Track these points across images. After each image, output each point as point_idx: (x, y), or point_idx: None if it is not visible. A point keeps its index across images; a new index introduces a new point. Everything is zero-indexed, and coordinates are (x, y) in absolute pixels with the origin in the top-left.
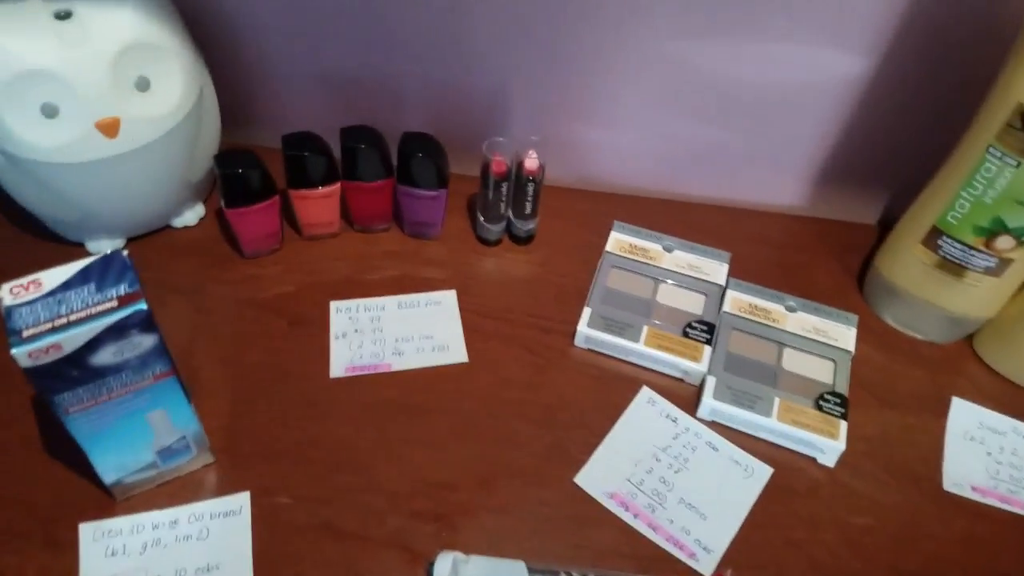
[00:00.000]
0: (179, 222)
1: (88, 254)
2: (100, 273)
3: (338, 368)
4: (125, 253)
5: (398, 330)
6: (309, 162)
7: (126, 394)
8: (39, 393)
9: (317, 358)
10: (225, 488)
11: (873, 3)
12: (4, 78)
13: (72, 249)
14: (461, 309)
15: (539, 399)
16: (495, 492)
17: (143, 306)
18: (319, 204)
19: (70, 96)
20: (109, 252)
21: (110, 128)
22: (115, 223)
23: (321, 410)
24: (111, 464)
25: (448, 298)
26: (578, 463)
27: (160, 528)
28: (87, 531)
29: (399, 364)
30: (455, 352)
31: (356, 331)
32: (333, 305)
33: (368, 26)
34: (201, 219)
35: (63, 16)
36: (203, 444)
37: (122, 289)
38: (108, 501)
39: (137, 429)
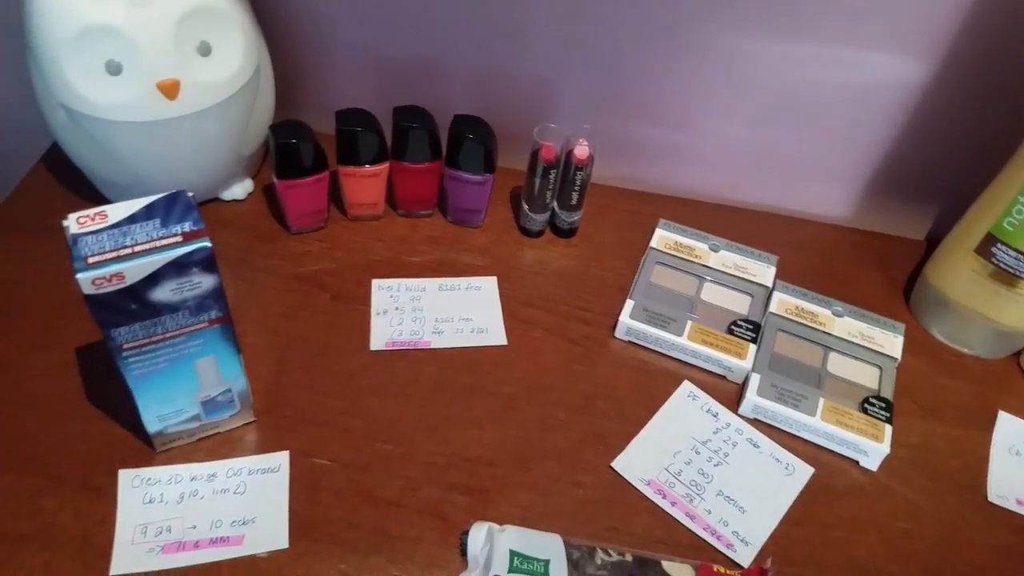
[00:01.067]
0: (228, 195)
1: None
2: (165, 210)
3: (378, 342)
4: (190, 194)
5: (438, 310)
6: (360, 139)
7: (180, 336)
8: (98, 325)
9: (357, 332)
10: (265, 447)
11: (936, 5)
12: (71, 32)
13: None
14: (501, 296)
15: (578, 387)
16: (531, 471)
17: (207, 243)
18: (366, 183)
19: (134, 55)
20: (174, 192)
21: (170, 89)
22: (165, 189)
23: (361, 382)
24: (155, 412)
25: (489, 284)
26: (615, 449)
27: (198, 480)
28: (126, 477)
29: (438, 342)
30: (494, 335)
31: (397, 309)
32: (375, 283)
33: (426, 7)
34: (249, 194)
35: None
36: (247, 401)
37: (187, 226)
38: (148, 452)
39: (185, 376)
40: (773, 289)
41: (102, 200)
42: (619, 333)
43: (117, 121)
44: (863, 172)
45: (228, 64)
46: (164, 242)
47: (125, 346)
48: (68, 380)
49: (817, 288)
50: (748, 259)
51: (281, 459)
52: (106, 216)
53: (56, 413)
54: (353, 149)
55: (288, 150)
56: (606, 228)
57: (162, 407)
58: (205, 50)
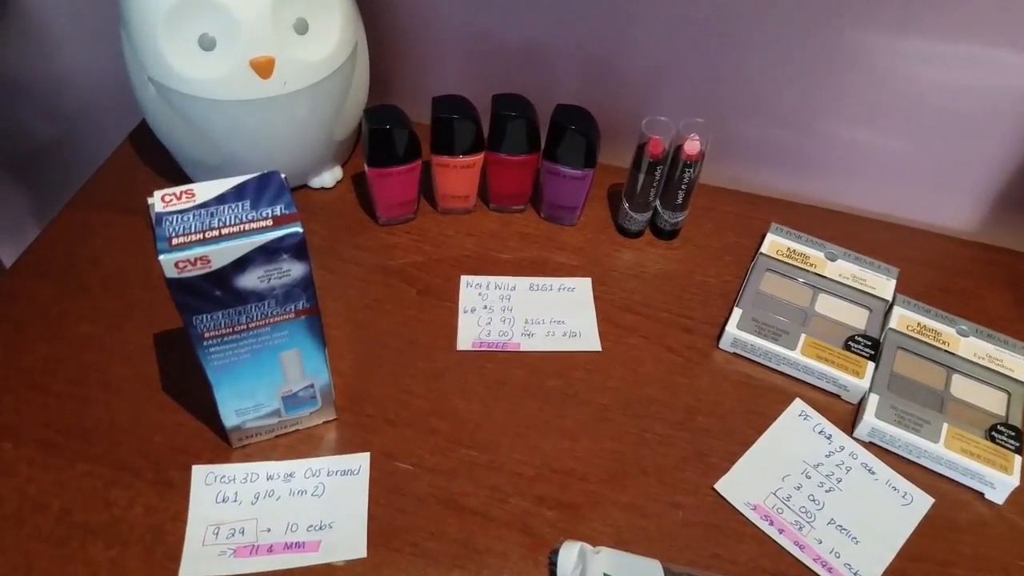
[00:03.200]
0: (316, 182)
1: None
2: (256, 191)
3: (465, 342)
4: (283, 176)
5: (528, 311)
6: (456, 127)
7: (265, 326)
8: (179, 310)
9: (444, 330)
10: (345, 447)
11: None
12: (167, 4)
13: None
14: (596, 299)
15: (678, 400)
16: (626, 488)
17: (299, 229)
18: (460, 174)
19: (229, 29)
20: (266, 172)
21: (265, 67)
22: (253, 172)
23: (447, 382)
24: (234, 406)
25: (582, 285)
26: (719, 470)
27: (275, 479)
28: (199, 473)
29: (528, 345)
30: (588, 340)
31: (485, 307)
32: (463, 279)
33: None
34: (338, 182)
35: None
36: (328, 398)
37: (278, 209)
38: (224, 448)
39: (267, 369)
40: (893, 303)
41: (187, 181)
42: (724, 344)
43: (207, 98)
44: (991, 183)
45: (325, 44)
46: (254, 225)
47: (207, 334)
48: (146, 366)
49: (939, 304)
50: (867, 270)
51: (362, 460)
52: (193, 195)
53: (133, 400)
54: (448, 138)
55: (381, 136)
56: (710, 231)
57: (241, 401)
58: (302, 28)
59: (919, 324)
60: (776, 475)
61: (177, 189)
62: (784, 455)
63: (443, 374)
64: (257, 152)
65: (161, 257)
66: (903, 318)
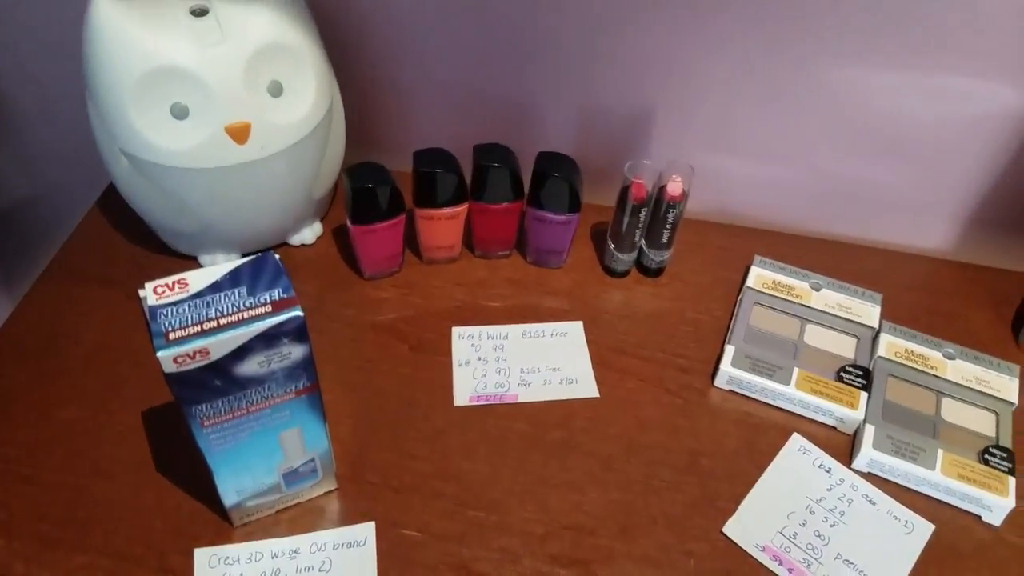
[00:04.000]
0: (296, 240)
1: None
2: (251, 276)
3: (462, 396)
4: (277, 257)
5: (523, 360)
6: (439, 180)
7: (265, 408)
8: (178, 402)
9: (440, 386)
10: (349, 518)
11: None
12: (137, 74)
13: (185, 263)
14: (589, 342)
15: (681, 443)
16: (637, 539)
17: (299, 312)
18: (444, 225)
19: (202, 97)
20: (260, 254)
21: (240, 133)
22: (233, 237)
23: (448, 441)
24: (234, 486)
25: (575, 329)
26: (725, 512)
27: (280, 557)
28: (202, 557)
29: (526, 395)
30: (584, 386)
31: (479, 359)
32: (455, 331)
33: (505, 40)
34: (318, 237)
35: (199, 13)
36: (330, 469)
37: (276, 294)
38: (225, 526)
39: (268, 448)
40: (880, 330)
41: (162, 246)
42: (720, 382)
43: (183, 168)
44: (967, 204)
45: (301, 104)
46: (252, 313)
47: (206, 422)
48: (137, 447)
49: (925, 327)
50: (852, 298)
51: (367, 531)
52: (187, 285)
53: (127, 484)
54: (431, 191)
55: (365, 195)
56: (696, 266)
57: (241, 480)
58: (276, 90)
59: (906, 350)
60: (781, 513)
61: (169, 279)
62: (787, 492)
63: (443, 433)
64: (236, 217)
65: (159, 354)
66: (891, 345)
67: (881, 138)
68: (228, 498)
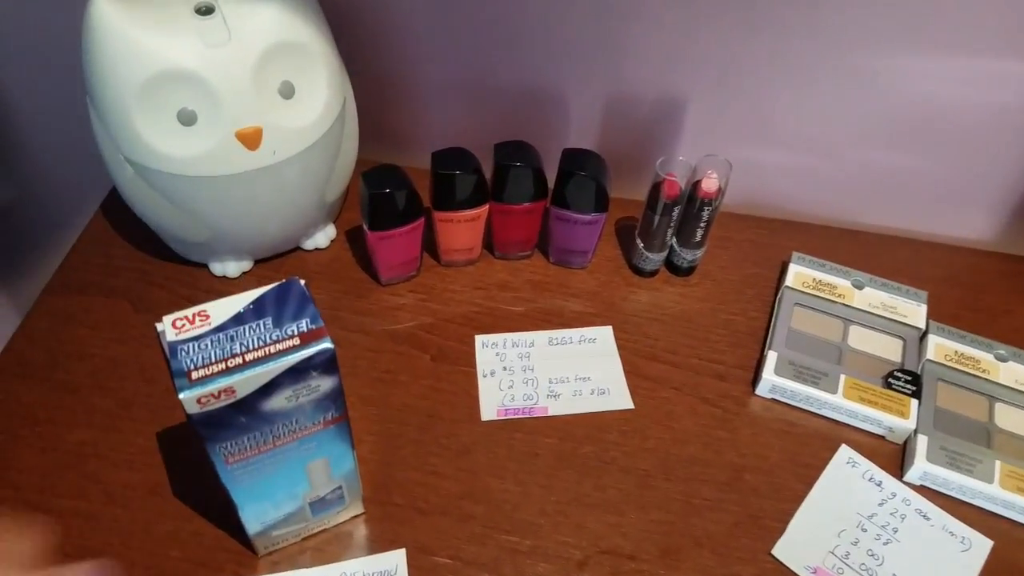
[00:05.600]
0: (310, 244)
1: (213, 276)
2: (276, 305)
3: (489, 410)
4: (302, 283)
5: (551, 369)
6: (460, 181)
7: (291, 442)
8: (202, 442)
9: (465, 399)
10: (377, 544)
11: None
12: (140, 79)
13: (194, 271)
14: (619, 348)
15: (722, 458)
16: (681, 564)
17: (329, 344)
18: (464, 228)
19: (211, 101)
20: (285, 281)
21: (251, 139)
22: (245, 244)
23: (476, 458)
24: (258, 517)
25: (604, 334)
26: (773, 532)
27: None
28: None
29: (556, 408)
30: (618, 397)
31: (505, 369)
32: (479, 339)
33: (525, 30)
34: (332, 241)
35: (204, 12)
36: (356, 494)
37: (304, 324)
38: (248, 555)
39: (293, 479)
40: (927, 331)
41: (169, 253)
42: (761, 391)
43: (193, 176)
44: (1008, 193)
45: (313, 105)
46: (279, 347)
47: (231, 459)
48: (151, 470)
49: (970, 325)
50: (896, 297)
51: (397, 559)
52: (208, 317)
53: (142, 511)
54: (451, 193)
55: (383, 200)
56: (729, 263)
57: (265, 511)
58: (288, 91)
59: (956, 352)
60: (832, 531)
61: (189, 312)
62: (837, 508)
63: (470, 450)
64: (247, 225)
65: (182, 396)
66: (940, 347)
67: (918, 125)
68: (252, 527)
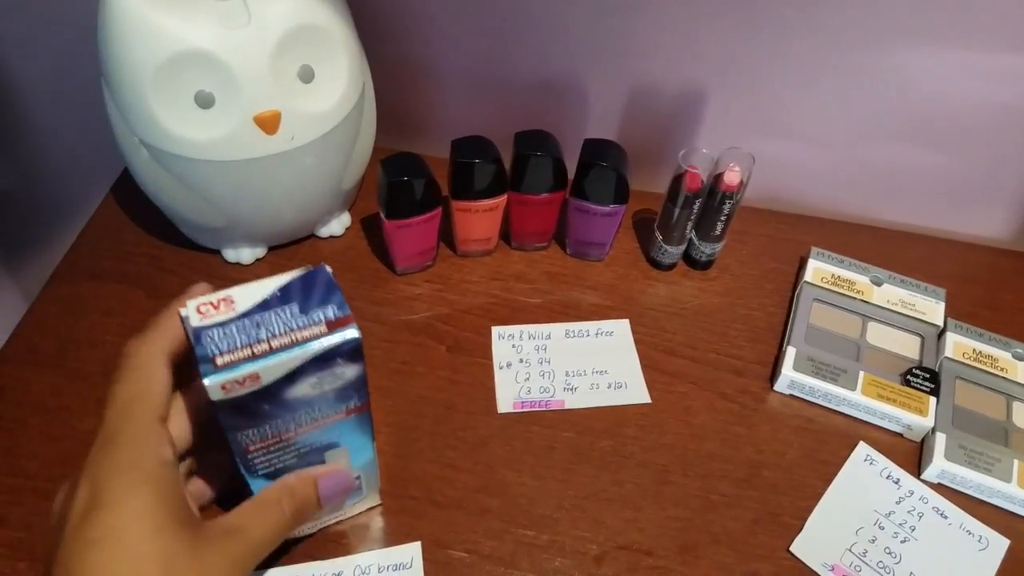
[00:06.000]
0: (324, 231)
1: (226, 263)
2: (303, 292)
3: (505, 403)
4: (329, 270)
5: (567, 362)
6: (480, 171)
7: (313, 430)
8: (224, 429)
9: (481, 390)
10: (393, 537)
11: None
12: (157, 61)
13: (207, 257)
14: (636, 342)
15: (741, 453)
16: (698, 561)
17: (356, 333)
18: (482, 218)
19: (229, 84)
20: (312, 268)
21: (269, 123)
22: (259, 230)
23: (493, 451)
24: None
25: (621, 328)
26: (791, 529)
27: None
28: None
29: (572, 401)
30: (635, 391)
31: (521, 361)
32: (495, 331)
33: (546, 18)
34: (347, 229)
35: None
36: (374, 486)
37: (330, 312)
38: None
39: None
40: (945, 329)
41: (182, 239)
42: (780, 387)
43: (209, 160)
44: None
45: (332, 91)
46: (305, 333)
47: (251, 447)
48: None
49: (988, 324)
50: (915, 294)
51: (413, 552)
52: (233, 303)
53: None
54: (469, 183)
55: (401, 189)
56: (747, 257)
57: None
58: (307, 76)
59: (974, 351)
60: (850, 528)
61: (214, 297)
62: (855, 506)
63: (487, 443)
64: (263, 211)
65: (206, 381)
66: (958, 345)
67: (937, 122)
68: None
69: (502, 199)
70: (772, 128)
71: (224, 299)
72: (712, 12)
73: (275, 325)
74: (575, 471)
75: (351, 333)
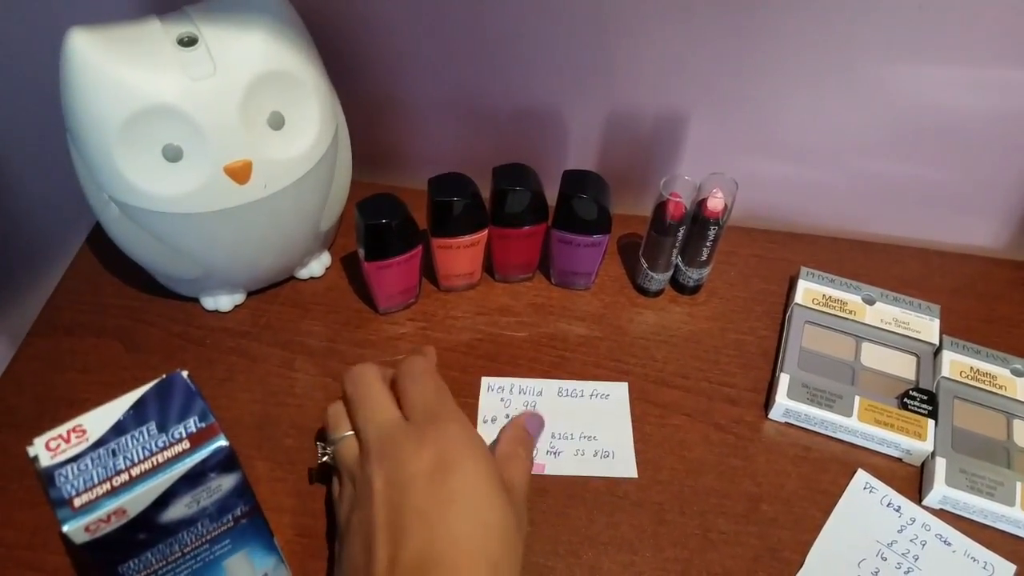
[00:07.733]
0: (304, 273)
1: (205, 312)
2: (158, 407)
3: None
4: (185, 375)
5: (555, 423)
6: (458, 208)
7: (202, 545)
8: (100, 568)
9: None
10: None
11: None
12: (122, 117)
13: (185, 305)
14: (626, 373)
15: (738, 487)
16: None
17: (223, 442)
18: (464, 253)
19: (196, 136)
20: (164, 377)
21: (241, 173)
22: (237, 278)
23: None
24: None
25: (618, 391)
26: (792, 565)
27: None
28: None
29: (553, 467)
30: (621, 463)
31: (507, 416)
32: (484, 382)
33: (519, 52)
34: (327, 268)
35: (187, 43)
36: None
37: (191, 425)
38: None
39: None
40: (941, 347)
41: (160, 288)
42: (775, 415)
43: (180, 213)
44: (1020, 199)
45: (304, 135)
46: (168, 454)
47: None
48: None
49: (984, 339)
50: (908, 312)
51: None
52: (84, 432)
53: None
54: (449, 220)
55: (379, 231)
56: (735, 279)
57: None
58: (277, 122)
59: (972, 368)
60: (851, 562)
61: (63, 429)
62: (856, 537)
63: None
64: (240, 259)
65: (66, 528)
66: (954, 363)
67: (924, 133)
68: None
69: (483, 234)
70: (757, 146)
71: (74, 429)
72: (690, 37)
73: (133, 451)
74: (567, 516)
75: (218, 443)
